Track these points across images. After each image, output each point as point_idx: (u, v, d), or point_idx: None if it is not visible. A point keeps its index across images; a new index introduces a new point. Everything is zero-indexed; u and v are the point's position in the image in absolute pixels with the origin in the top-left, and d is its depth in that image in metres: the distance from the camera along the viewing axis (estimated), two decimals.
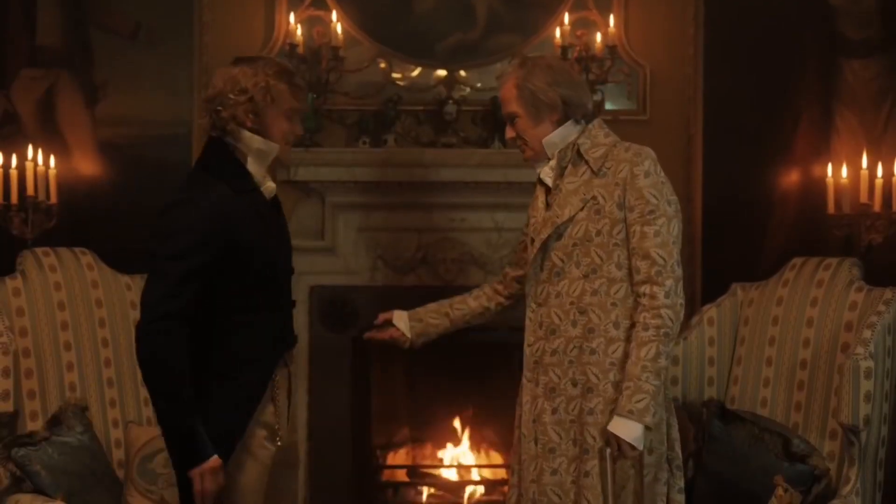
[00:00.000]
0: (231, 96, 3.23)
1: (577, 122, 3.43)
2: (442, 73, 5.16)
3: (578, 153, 3.39)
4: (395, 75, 5.17)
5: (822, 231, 4.93)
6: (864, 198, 4.79)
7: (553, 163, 3.43)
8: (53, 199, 4.84)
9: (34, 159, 4.82)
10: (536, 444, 3.41)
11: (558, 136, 3.41)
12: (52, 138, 5.02)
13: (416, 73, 5.20)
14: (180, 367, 3.08)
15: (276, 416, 3.30)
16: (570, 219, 3.35)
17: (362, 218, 5.06)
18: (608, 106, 5.13)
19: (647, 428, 3.24)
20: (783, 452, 3.85)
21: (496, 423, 5.43)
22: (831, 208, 4.86)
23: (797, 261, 4.33)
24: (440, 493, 5.37)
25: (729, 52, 5.12)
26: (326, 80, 4.95)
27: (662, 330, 3.24)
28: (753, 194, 5.12)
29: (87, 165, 5.06)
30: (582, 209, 3.34)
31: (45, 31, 5.08)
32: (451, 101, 5.07)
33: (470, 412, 5.47)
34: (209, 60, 5.07)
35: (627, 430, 3.23)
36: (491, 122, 5.09)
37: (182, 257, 3.10)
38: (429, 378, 5.49)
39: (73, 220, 4.92)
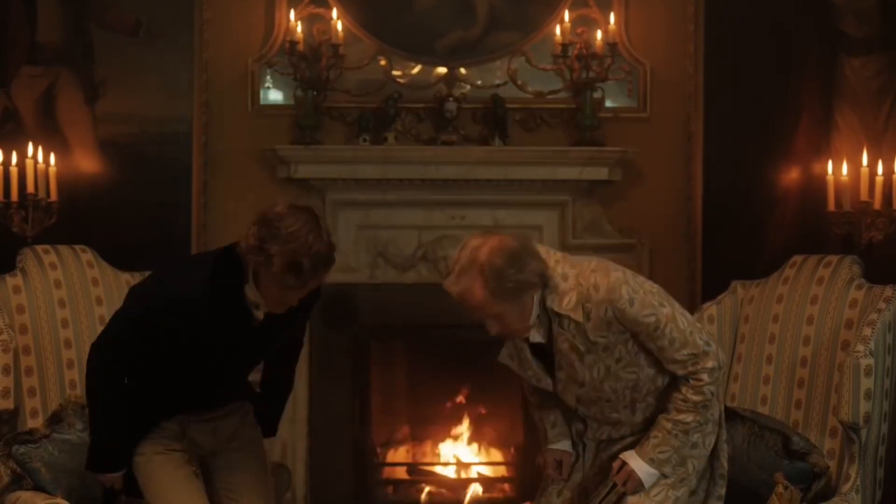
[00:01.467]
0: (251, 231, 3.15)
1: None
2: (442, 70, 5.16)
3: (554, 312, 3.24)
4: (395, 73, 5.17)
5: (823, 229, 4.93)
6: (864, 195, 4.79)
7: (536, 328, 3.27)
8: (53, 196, 4.84)
9: (34, 157, 4.82)
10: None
11: (534, 307, 3.25)
12: (52, 136, 5.02)
13: (416, 70, 5.20)
14: (104, 392, 3.35)
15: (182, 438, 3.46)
16: (586, 367, 3.28)
17: (362, 215, 5.06)
18: (608, 104, 5.13)
19: (663, 475, 3.30)
20: (783, 450, 3.85)
21: (496, 420, 5.44)
22: (832, 206, 4.86)
23: (797, 258, 4.32)
24: (440, 490, 5.37)
25: (729, 49, 5.11)
26: (326, 78, 4.95)
27: (701, 404, 3.28)
28: (754, 192, 5.12)
29: (88, 163, 5.06)
30: (589, 353, 3.26)
31: (45, 29, 5.07)
32: (451, 99, 5.07)
33: (470, 409, 5.47)
34: (210, 58, 5.08)
35: (644, 471, 3.29)
36: (491, 119, 5.09)
37: (129, 321, 3.31)
38: (429, 376, 5.49)
39: (73, 218, 4.92)
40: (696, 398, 3.26)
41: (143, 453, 3.43)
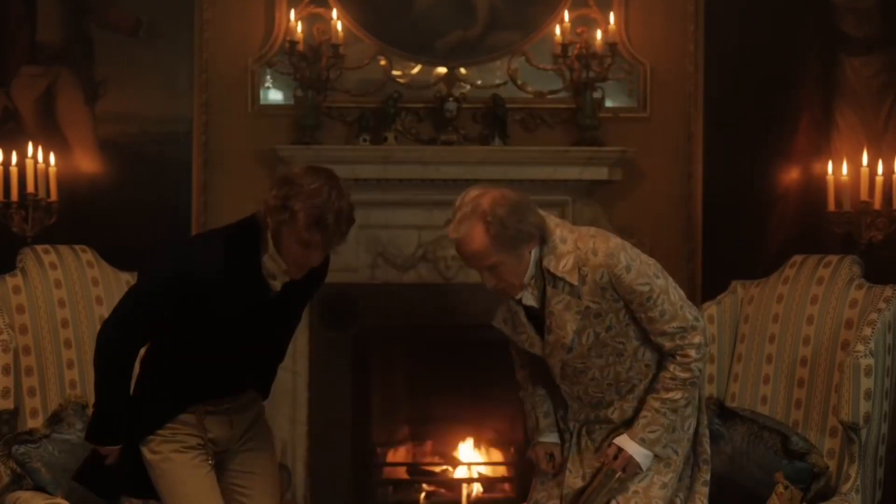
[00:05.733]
0: (272, 192, 3.19)
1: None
2: (442, 70, 5.16)
3: (550, 273, 3.27)
4: (395, 73, 5.17)
5: (823, 228, 4.93)
6: (864, 195, 4.79)
7: (530, 289, 3.29)
8: (53, 196, 4.84)
9: (34, 157, 4.82)
10: None
11: (531, 265, 3.28)
12: (52, 135, 5.02)
13: (416, 70, 5.20)
14: (111, 371, 3.33)
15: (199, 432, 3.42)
16: (576, 332, 3.29)
17: (362, 215, 4.99)
18: (608, 103, 5.13)
19: (655, 455, 3.33)
20: (782, 450, 3.86)
21: (496, 420, 5.44)
22: (832, 206, 4.86)
23: (797, 258, 4.33)
24: (440, 490, 5.37)
25: (729, 49, 5.11)
26: (326, 78, 4.95)
27: (689, 381, 3.31)
28: (754, 192, 5.12)
29: (88, 163, 5.06)
30: (580, 318, 3.28)
31: (45, 28, 5.08)
32: (451, 99, 5.07)
33: (469, 409, 5.47)
34: (209, 57, 5.08)
35: (639, 452, 3.32)
36: (491, 119, 5.09)
37: (142, 297, 3.30)
38: (429, 376, 5.49)
39: (73, 218, 4.92)
40: (683, 375, 3.29)
41: (160, 452, 3.38)
